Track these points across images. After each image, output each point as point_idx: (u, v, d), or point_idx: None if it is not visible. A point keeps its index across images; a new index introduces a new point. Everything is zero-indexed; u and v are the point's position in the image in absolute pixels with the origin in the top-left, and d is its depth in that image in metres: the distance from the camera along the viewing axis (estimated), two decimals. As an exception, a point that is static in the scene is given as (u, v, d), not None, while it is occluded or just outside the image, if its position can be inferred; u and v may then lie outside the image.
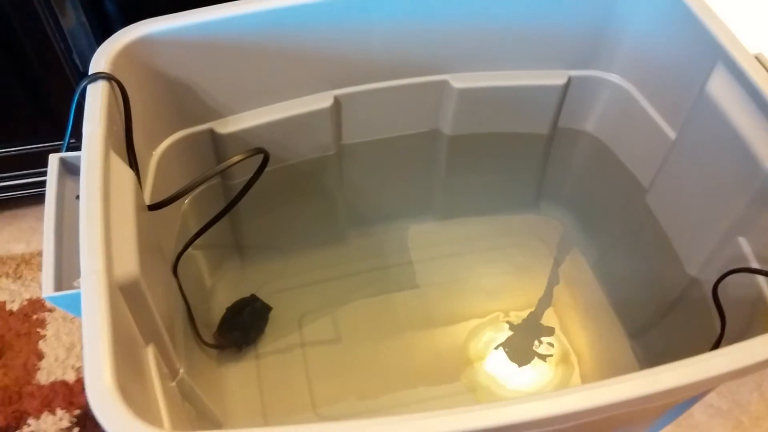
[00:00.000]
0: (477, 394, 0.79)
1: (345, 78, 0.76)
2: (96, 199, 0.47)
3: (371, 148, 0.85)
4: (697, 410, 0.84)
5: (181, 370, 0.59)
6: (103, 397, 0.39)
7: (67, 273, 0.47)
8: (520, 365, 0.82)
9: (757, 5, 0.74)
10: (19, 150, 0.89)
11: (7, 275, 0.93)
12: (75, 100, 0.53)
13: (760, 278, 0.60)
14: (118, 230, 0.48)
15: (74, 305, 0.44)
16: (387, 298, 0.88)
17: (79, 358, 0.86)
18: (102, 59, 0.57)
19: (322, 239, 0.91)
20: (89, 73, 0.55)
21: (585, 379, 0.81)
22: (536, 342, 0.84)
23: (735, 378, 0.44)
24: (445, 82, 0.79)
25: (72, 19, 0.63)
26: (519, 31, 0.75)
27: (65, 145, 0.54)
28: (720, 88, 0.63)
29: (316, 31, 0.69)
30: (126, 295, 0.47)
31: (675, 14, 0.68)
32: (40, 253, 0.96)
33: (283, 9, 0.65)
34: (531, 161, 0.91)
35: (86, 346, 0.41)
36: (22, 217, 1.00)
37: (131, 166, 0.57)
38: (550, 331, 0.84)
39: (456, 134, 0.85)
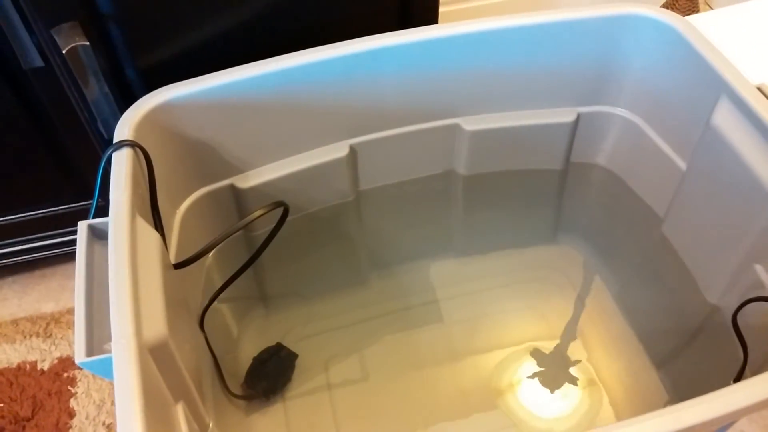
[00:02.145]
0: (510, 430, 0.79)
1: (359, 127, 0.77)
2: (124, 265, 0.48)
3: (388, 191, 0.86)
4: (727, 438, 0.83)
5: (211, 424, 0.60)
6: (137, 458, 0.41)
7: (98, 337, 0.49)
8: (547, 399, 0.81)
9: (757, 36, 0.75)
10: (46, 212, 0.91)
11: (38, 335, 0.95)
12: (101, 168, 0.55)
13: (779, 306, 0.61)
14: (146, 293, 0.49)
15: (106, 369, 0.46)
16: (411, 337, 0.87)
17: (110, 414, 0.87)
18: (125, 127, 0.59)
19: (345, 283, 0.92)
20: (114, 142, 0.57)
21: (615, 406, 0.80)
22: (563, 374, 0.83)
23: (758, 410, 0.44)
24: (456, 126, 0.80)
25: (95, 90, 0.66)
26: (526, 72, 0.76)
27: (93, 211, 0.55)
28: (725, 119, 0.64)
29: (329, 85, 0.71)
30: (155, 357, 0.48)
31: (677, 50, 0.69)
32: (69, 311, 0.98)
33: (296, 67, 0.68)
34: (547, 196, 0.92)
35: (119, 410, 0.42)
36: (51, 276, 1.02)
37: (156, 228, 0.58)
38: (576, 363, 0.84)
39: (471, 174, 0.86)
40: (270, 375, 0.82)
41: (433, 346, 0.86)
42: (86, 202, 0.90)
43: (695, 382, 0.74)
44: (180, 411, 0.52)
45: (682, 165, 0.73)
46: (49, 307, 0.99)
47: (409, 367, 0.85)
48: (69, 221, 0.92)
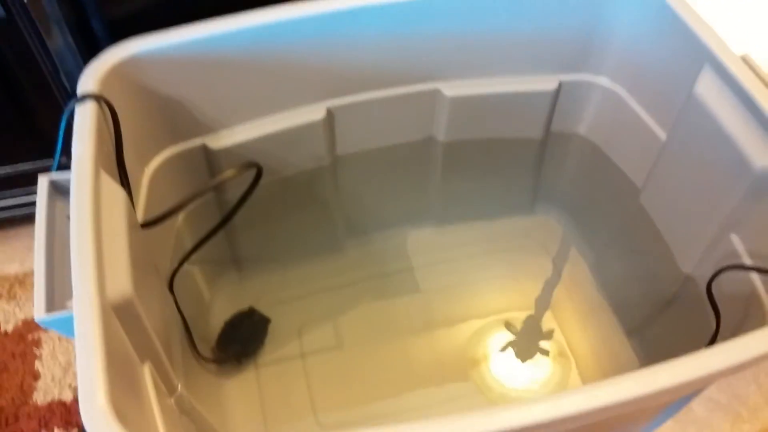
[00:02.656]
0: (478, 397, 0.79)
1: (337, 89, 0.76)
2: (86, 220, 0.47)
3: (366, 157, 0.85)
4: (696, 404, 0.84)
5: (180, 386, 0.59)
6: (97, 419, 0.39)
7: (59, 294, 0.47)
8: (520, 367, 0.82)
9: (743, 7, 0.74)
10: (8, 171, 0.89)
11: (1, 296, 0.93)
12: (64, 122, 0.53)
13: (753, 274, 0.61)
14: (110, 250, 0.48)
15: (67, 327, 0.44)
16: (387, 305, 0.87)
17: (76, 377, 0.86)
18: (90, 80, 0.57)
19: (320, 249, 0.91)
20: (77, 94, 0.55)
21: (584, 378, 0.81)
22: (536, 343, 0.84)
23: (732, 374, 0.44)
24: (437, 91, 0.79)
25: (58, 40, 0.63)
26: (508, 37, 0.75)
27: (55, 165, 0.54)
28: (708, 89, 0.64)
29: (306, 44, 0.69)
30: (119, 315, 0.47)
31: (661, 18, 0.68)
32: (33, 273, 0.96)
33: (273, 24, 0.66)
34: (525, 165, 0.91)
35: (79, 367, 0.41)
36: (15, 237, 1.00)
37: (123, 185, 0.57)
38: (549, 332, 0.84)
39: (450, 141, 0.85)
40: (242, 339, 0.81)
41: (408, 314, 0.86)
42: (49, 161, 0.88)
43: (667, 351, 0.74)
44: (146, 371, 0.51)
45: (662, 135, 0.73)
46: (13, 269, 0.97)
47: (383, 335, 0.85)
48: (33, 180, 0.89)
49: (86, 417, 0.40)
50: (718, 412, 0.84)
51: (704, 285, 0.64)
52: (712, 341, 0.63)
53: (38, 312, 0.45)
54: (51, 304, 0.46)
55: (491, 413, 0.41)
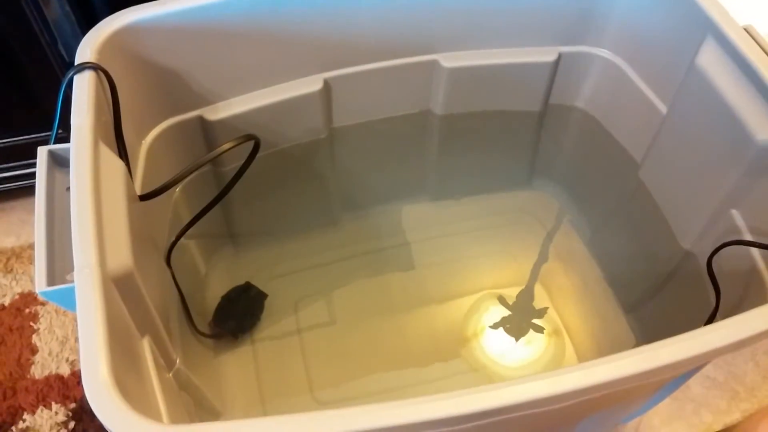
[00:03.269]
0: (475, 373, 0.80)
1: (334, 61, 0.75)
2: (86, 192, 0.46)
3: (362, 130, 0.84)
4: (694, 382, 0.85)
5: (178, 361, 0.59)
6: (100, 392, 0.39)
7: (60, 267, 0.47)
8: (516, 342, 0.82)
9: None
10: (5, 142, 0.88)
11: (-2, 269, 0.93)
12: (62, 92, 0.52)
13: (754, 250, 0.61)
14: (110, 222, 0.47)
15: (68, 300, 0.44)
16: (382, 280, 0.87)
17: (73, 350, 0.85)
18: (87, 49, 0.56)
19: (316, 224, 0.91)
20: (75, 64, 0.54)
21: (580, 354, 0.81)
22: (531, 319, 0.84)
23: (732, 350, 0.44)
24: (435, 62, 0.79)
25: (56, 9, 0.62)
26: (508, 8, 0.74)
27: (53, 137, 0.53)
28: (710, 61, 0.63)
29: (303, 14, 0.68)
30: (120, 288, 0.47)
31: (664, -13, 0.67)
32: (30, 246, 0.95)
33: (270, -8, 0.65)
34: (523, 138, 0.91)
35: (82, 340, 0.41)
36: (11, 210, 0.99)
37: (121, 156, 0.56)
38: (544, 309, 0.84)
39: (447, 114, 0.85)
40: (238, 314, 0.81)
41: (404, 289, 0.86)
42: (47, 133, 0.87)
43: (665, 328, 0.74)
44: (146, 345, 0.51)
45: (662, 108, 0.72)
46: (9, 242, 0.96)
47: (379, 310, 0.85)
48: (29, 153, 0.88)
49: (89, 390, 0.39)
50: (715, 390, 0.84)
51: (704, 261, 0.64)
52: (712, 318, 0.63)
53: (39, 284, 0.44)
54: (52, 277, 0.45)
55: (488, 390, 0.41)
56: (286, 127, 0.79)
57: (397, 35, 0.75)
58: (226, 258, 0.87)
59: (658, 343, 0.43)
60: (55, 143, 0.53)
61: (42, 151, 0.51)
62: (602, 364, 0.42)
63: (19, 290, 0.90)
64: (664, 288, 0.76)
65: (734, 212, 0.64)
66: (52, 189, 0.51)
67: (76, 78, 0.53)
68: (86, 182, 0.47)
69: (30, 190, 0.97)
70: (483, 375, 0.79)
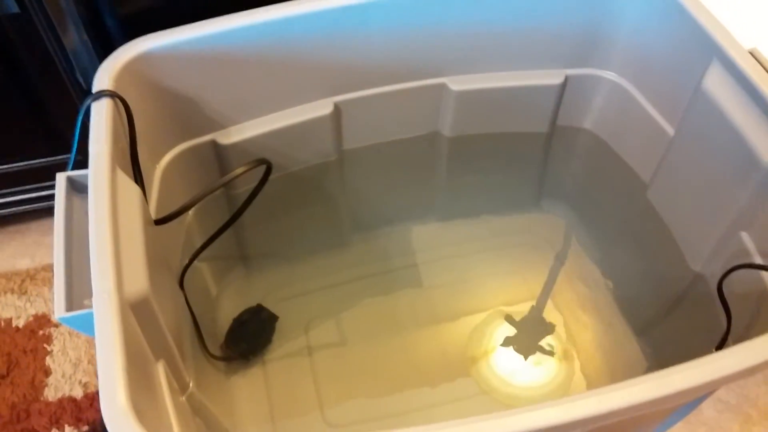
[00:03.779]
0: (484, 396, 0.80)
1: (344, 85, 0.76)
2: (105, 219, 0.47)
3: (372, 152, 0.85)
4: (706, 406, 0.84)
5: (191, 384, 0.59)
6: (118, 417, 0.40)
7: (78, 292, 0.47)
8: (525, 364, 0.82)
9: (750, 0, 0.74)
10: (20, 166, 0.88)
11: (12, 291, 0.93)
12: (80, 119, 0.53)
13: (765, 273, 0.61)
14: (127, 247, 0.48)
15: (86, 324, 0.45)
16: (392, 300, 0.87)
17: (86, 373, 0.86)
18: (105, 77, 0.57)
19: (326, 245, 0.91)
20: (93, 92, 0.55)
21: (589, 376, 0.81)
22: (541, 340, 0.84)
23: (747, 376, 0.44)
24: (443, 85, 0.79)
25: (74, 38, 0.63)
26: (515, 32, 0.75)
27: (71, 163, 0.54)
28: (716, 84, 0.64)
29: (314, 40, 0.69)
30: (136, 313, 0.47)
31: (669, 12, 0.68)
32: (44, 268, 0.96)
33: (282, 20, 0.66)
34: (531, 160, 0.91)
35: (100, 365, 0.41)
36: (26, 232, 1.00)
37: (136, 181, 0.57)
38: (554, 329, 0.84)
39: (455, 135, 0.85)
40: (250, 337, 0.81)
41: (413, 310, 0.86)
42: (62, 157, 0.88)
43: (676, 351, 0.74)
44: (161, 369, 0.51)
45: (670, 130, 0.73)
46: (24, 264, 0.97)
47: (388, 331, 0.85)
48: (44, 176, 0.90)
49: (107, 415, 0.40)
50: (727, 414, 0.84)
51: (714, 283, 0.64)
52: (723, 341, 0.63)
53: (59, 310, 0.45)
54: (70, 303, 0.46)
55: (502, 417, 0.41)
56: (297, 150, 0.79)
57: (406, 59, 0.76)
58: (237, 279, 0.88)
59: (671, 369, 0.43)
60: (72, 168, 0.54)
61: (60, 178, 0.52)
62: (615, 390, 0.42)
63: (33, 312, 0.91)
64: (675, 310, 0.76)
65: (744, 234, 0.64)
66: (71, 214, 0.51)
67: (93, 105, 0.54)
68: (104, 209, 0.47)
69: (44, 213, 0.98)
70: (493, 398, 0.79)
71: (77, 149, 0.54)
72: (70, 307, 0.45)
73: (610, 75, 0.80)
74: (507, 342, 0.83)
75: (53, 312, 0.90)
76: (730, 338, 0.63)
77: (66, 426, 0.81)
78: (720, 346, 0.63)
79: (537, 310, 0.86)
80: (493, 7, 0.72)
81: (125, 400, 0.40)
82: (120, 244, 0.47)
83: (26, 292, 0.93)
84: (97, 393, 0.84)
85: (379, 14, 0.69)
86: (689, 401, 0.59)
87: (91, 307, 0.44)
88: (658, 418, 0.62)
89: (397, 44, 0.73)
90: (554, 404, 0.41)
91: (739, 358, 0.43)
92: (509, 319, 0.85)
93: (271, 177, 0.70)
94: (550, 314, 0.86)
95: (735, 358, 0.43)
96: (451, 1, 0.70)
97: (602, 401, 0.41)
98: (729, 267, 0.63)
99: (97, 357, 0.41)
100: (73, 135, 0.53)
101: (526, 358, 0.82)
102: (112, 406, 0.40)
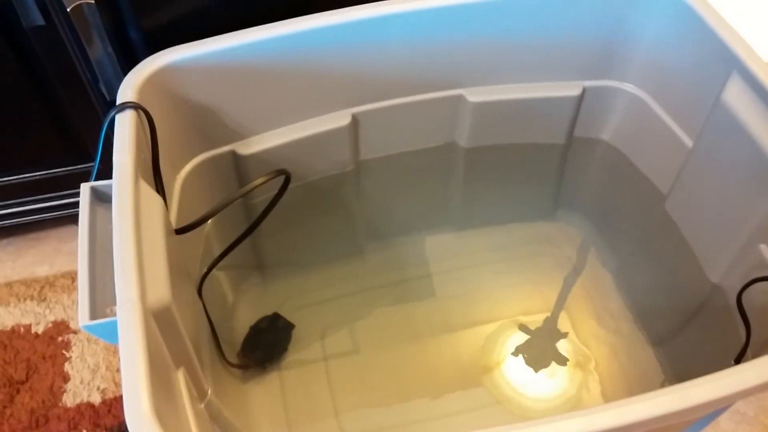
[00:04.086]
0: (499, 406, 0.79)
1: (362, 96, 0.77)
2: (128, 228, 0.48)
3: (389, 162, 0.85)
4: (723, 418, 0.83)
5: (210, 392, 0.60)
6: (141, 423, 0.40)
7: (101, 300, 0.48)
8: (541, 375, 0.82)
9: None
10: (40, 174, 0.89)
11: (32, 298, 0.94)
12: (104, 130, 0.54)
13: (784, 286, 0.61)
14: (150, 257, 0.48)
15: (109, 333, 0.45)
16: (407, 309, 0.87)
17: (104, 379, 0.87)
18: (129, 89, 0.58)
19: (342, 254, 0.92)
20: (117, 103, 0.56)
21: (606, 387, 0.81)
22: (557, 350, 0.84)
23: (767, 390, 0.44)
24: (460, 97, 0.80)
25: (98, 50, 0.64)
26: (533, 45, 0.75)
27: (95, 172, 0.54)
28: (736, 96, 0.64)
29: (334, 52, 0.70)
30: (158, 321, 0.48)
31: (688, 24, 0.68)
32: (64, 275, 0.97)
33: (301, 33, 0.66)
34: (548, 170, 0.91)
35: (124, 373, 0.42)
36: (46, 240, 1.01)
37: (158, 191, 0.58)
38: (570, 340, 0.84)
39: (472, 146, 0.86)
40: (266, 345, 0.82)
41: (428, 319, 0.86)
42: (84, 165, 0.88)
43: (693, 363, 0.74)
44: (181, 377, 0.52)
45: (688, 142, 0.73)
46: (43, 271, 0.98)
47: (403, 340, 0.85)
48: (66, 184, 0.90)
49: (131, 422, 0.40)
50: (745, 425, 0.83)
51: (732, 295, 0.64)
52: (742, 353, 0.63)
53: (83, 319, 0.46)
54: (94, 311, 0.46)
55: (519, 429, 0.41)
56: (315, 161, 0.80)
57: (424, 71, 0.76)
58: (254, 288, 0.88)
59: (691, 382, 0.43)
60: (95, 177, 0.55)
61: (85, 188, 0.52)
62: (635, 402, 0.42)
63: (52, 318, 0.92)
64: (693, 321, 0.76)
65: (763, 247, 0.64)
66: (94, 223, 0.52)
67: (117, 117, 0.55)
68: (128, 219, 0.48)
69: (63, 220, 1.00)
70: (507, 409, 0.79)
71: (100, 159, 0.55)
72: (93, 316, 0.46)
73: (628, 87, 0.80)
74: (521, 352, 0.83)
75: (72, 319, 0.91)
76: (749, 351, 0.63)
77: (84, 431, 0.82)
78: (739, 359, 0.63)
79: (552, 321, 0.86)
80: (512, 21, 0.73)
81: (148, 406, 0.41)
82: (143, 253, 0.48)
83: (45, 299, 0.94)
84: (115, 399, 0.84)
85: (398, 27, 0.70)
86: (708, 414, 0.58)
87: (114, 315, 0.45)
88: (675, 430, 0.62)
89: (415, 56, 0.74)
90: (573, 416, 0.41)
91: (760, 371, 0.43)
92: (524, 329, 0.85)
93: (289, 186, 0.71)
94: (565, 325, 0.85)
95: (756, 371, 0.43)
96: (469, 14, 0.71)
97: (623, 414, 0.41)
98: (748, 279, 0.63)
99: (121, 364, 0.42)
100: (94, 145, 0.54)
101: (540, 368, 0.82)
102: (135, 413, 0.41)
